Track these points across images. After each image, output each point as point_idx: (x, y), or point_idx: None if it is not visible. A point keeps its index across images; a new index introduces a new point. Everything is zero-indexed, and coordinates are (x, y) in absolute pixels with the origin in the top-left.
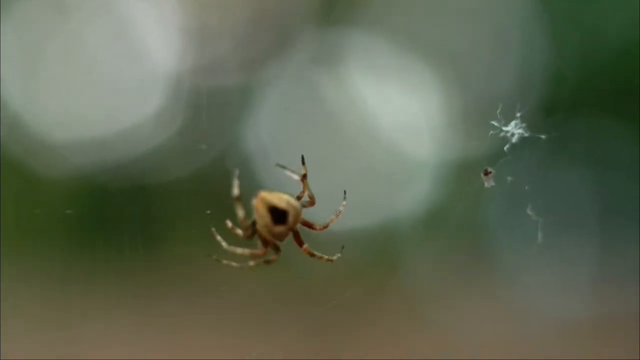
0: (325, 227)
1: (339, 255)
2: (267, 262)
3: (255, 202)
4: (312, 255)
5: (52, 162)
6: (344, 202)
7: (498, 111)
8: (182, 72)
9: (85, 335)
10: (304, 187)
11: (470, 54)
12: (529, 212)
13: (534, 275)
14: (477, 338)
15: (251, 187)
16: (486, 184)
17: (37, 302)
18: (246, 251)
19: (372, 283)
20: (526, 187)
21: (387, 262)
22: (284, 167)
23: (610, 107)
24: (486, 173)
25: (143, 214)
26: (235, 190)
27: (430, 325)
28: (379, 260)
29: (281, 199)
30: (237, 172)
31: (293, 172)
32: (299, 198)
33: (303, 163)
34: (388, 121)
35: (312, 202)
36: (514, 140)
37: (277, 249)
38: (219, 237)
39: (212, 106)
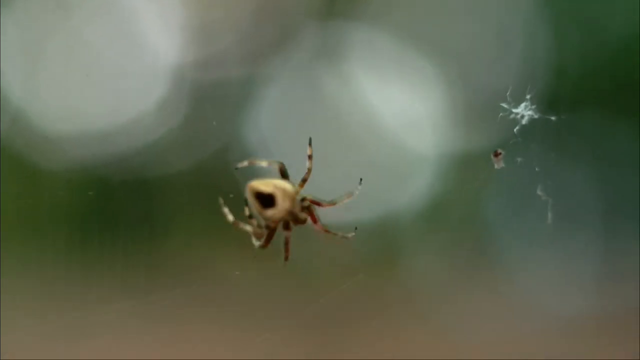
0: (333, 204)
1: (354, 234)
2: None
3: (246, 193)
4: (327, 232)
5: (54, 155)
6: (360, 187)
7: (508, 93)
8: (184, 65)
9: (86, 326)
10: (309, 168)
11: (473, 48)
12: (539, 192)
13: (537, 270)
14: (478, 333)
15: (252, 180)
16: (496, 166)
17: (37, 294)
18: (249, 229)
19: (372, 277)
20: (536, 169)
21: (389, 256)
22: (252, 163)
23: (615, 99)
24: (496, 154)
25: (144, 207)
26: (230, 217)
27: (431, 320)
28: (380, 254)
29: (267, 184)
30: (221, 201)
31: (266, 162)
32: (304, 180)
33: (310, 145)
34: (390, 115)
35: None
36: (523, 122)
37: (270, 238)
38: (225, 209)
39: (214, 100)
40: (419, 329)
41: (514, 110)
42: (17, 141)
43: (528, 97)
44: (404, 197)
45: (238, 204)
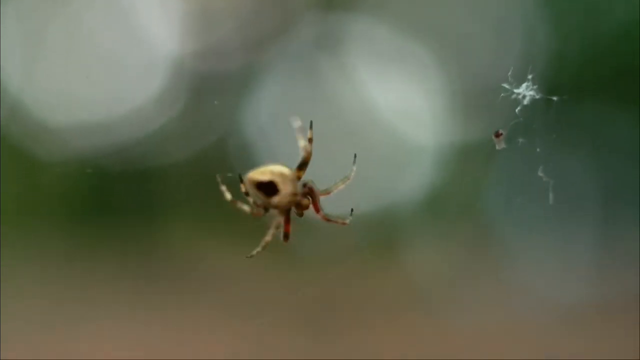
0: (328, 193)
1: (351, 218)
2: (286, 236)
3: (247, 186)
4: (328, 220)
5: (53, 145)
6: (354, 168)
7: (509, 73)
8: (183, 55)
9: (86, 315)
10: (308, 151)
11: (472, 34)
12: (540, 173)
13: (537, 257)
14: (478, 320)
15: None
16: (497, 146)
17: (37, 284)
18: (246, 208)
19: (372, 264)
20: (538, 149)
21: (389, 243)
22: (295, 127)
23: (615, 85)
24: (497, 135)
25: (143, 196)
26: (227, 195)
27: (431, 307)
28: (380, 242)
29: (264, 172)
30: (219, 177)
31: (301, 136)
32: (305, 164)
33: (311, 128)
34: (389, 105)
35: (307, 155)
36: (525, 102)
37: (287, 226)
38: (223, 187)
39: (213, 89)
40: (418, 314)
41: (516, 91)
42: (16, 131)
43: (530, 77)
44: (404, 186)
45: (235, 183)
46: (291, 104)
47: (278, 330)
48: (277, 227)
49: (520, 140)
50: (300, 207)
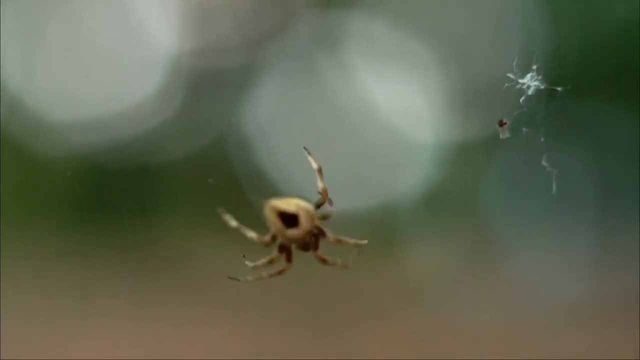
0: (339, 241)
1: (366, 241)
2: (280, 272)
3: (266, 211)
4: (325, 261)
5: (52, 142)
6: (311, 159)
7: (514, 63)
8: (181, 52)
9: (85, 312)
10: (323, 190)
11: (470, 35)
12: (544, 163)
13: (537, 254)
14: (477, 318)
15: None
16: (501, 135)
17: (36, 281)
18: (254, 236)
19: (371, 262)
20: (542, 139)
21: (389, 241)
22: (308, 153)
23: (616, 81)
24: (501, 124)
25: (142, 193)
26: (233, 223)
27: (430, 305)
28: (380, 240)
29: (290, 203)
30: (221, 210)
31: (314, 160)
32: (320, 205)
33: (309, 153)
34: (388, 103)
35: (323, 197)
36: (529, 92)
37: (289, 257)
38: (227, 216)
39: (212, 87)
40: (416, 311)
41: (520, 81)
42: (15, 128)
43: (534, 67)
44: (404, 184)
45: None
46: (290, 102)
47: (277, 328)
48: (270, 262)
49: (524, 129)
50: (307, 247)
